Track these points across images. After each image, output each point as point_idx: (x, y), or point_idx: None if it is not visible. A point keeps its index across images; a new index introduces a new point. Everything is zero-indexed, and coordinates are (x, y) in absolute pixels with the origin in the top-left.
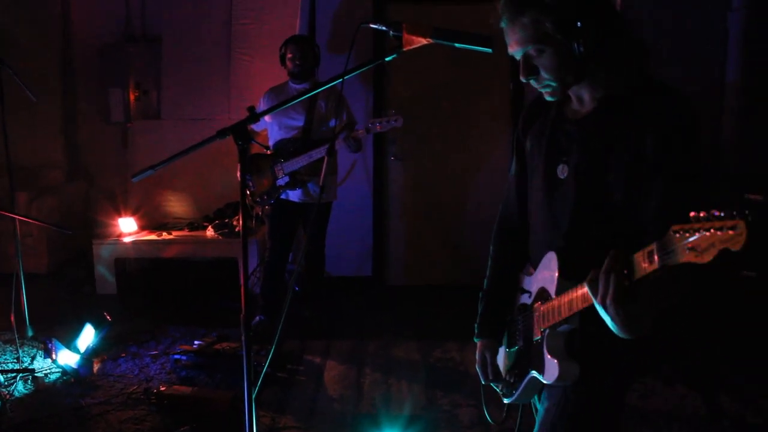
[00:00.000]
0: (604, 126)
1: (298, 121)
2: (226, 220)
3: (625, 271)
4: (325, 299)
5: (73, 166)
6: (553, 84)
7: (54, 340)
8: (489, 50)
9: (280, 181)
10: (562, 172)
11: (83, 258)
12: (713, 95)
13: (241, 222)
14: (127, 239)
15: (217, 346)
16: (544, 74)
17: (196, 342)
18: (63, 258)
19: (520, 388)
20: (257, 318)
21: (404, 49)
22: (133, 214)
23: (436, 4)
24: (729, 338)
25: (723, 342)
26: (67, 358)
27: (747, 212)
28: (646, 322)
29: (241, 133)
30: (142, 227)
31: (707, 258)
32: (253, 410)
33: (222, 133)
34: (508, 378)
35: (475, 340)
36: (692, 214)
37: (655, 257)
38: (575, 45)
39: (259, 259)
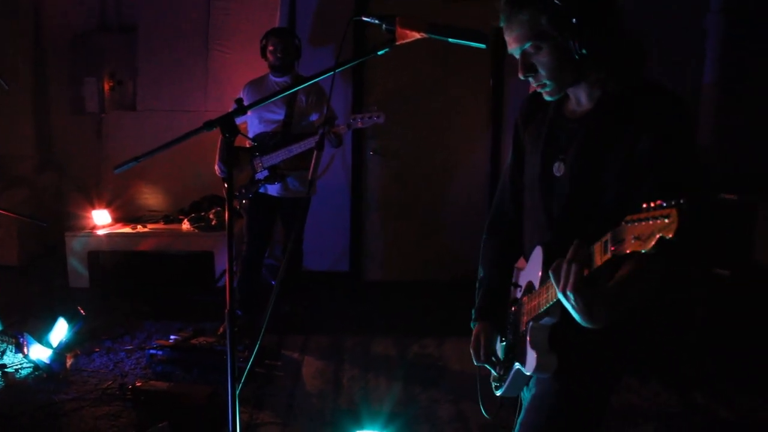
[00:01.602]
0: (602, 125)
1: (279, 115)
2: (202, 213)
3: (585, 261)
4: (303, 294)
5: (45, 157)
6: (551, 82)
7: (25, 335)
8: (483, 46)
9: (259, 175)
10: (558, 169)
11: (55, 250)
12: (691, 96)
13: (227, 216)
14: (100, 232)
15: (194, 341)
16: (541, 72)
17: (172, 336)
18: (34, 250)
19: (508, 380)
20: (226, 312)
21: (397, 44)
22: (107, 206)
23: None
24: (702, 335)
25: (697, 339)
26: (39, 353)
27: (681, 201)
28: (607, 313)
29: (229, 125)
30: (117, 220)
31: (649, 245)
32: (237, 407)
33: (209, 125)
34: (498, 370)
35: (471, 325)
36: (644, 205)
37: (610, 246)
38: (572, 42)
39: (236, 253)
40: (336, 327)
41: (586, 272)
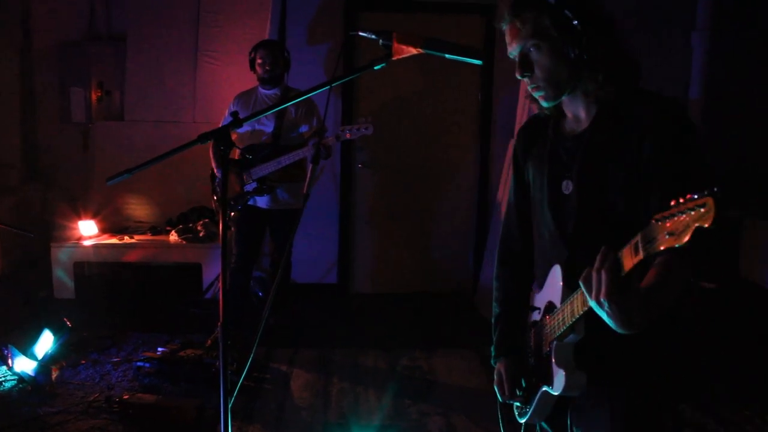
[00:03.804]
0: (603, 138)
1: (268, 127)
2: (190, 225)
3: (615, 266)
4: (291, 307)
5: (32, 167)
6: (546, 85)
7: (10, 347)
8: (479, 62)
9: (248, 187)
10: (567, 188)
11: (40, 261)
12: None
13: (220, 228)
14: (87, 242)
15: (182, 353)
16: (538, 72)
17: (159, 349)
18: (18, 261)
19: (533, 405)
20: (219, 325)
21: (393, 59)
22: (94, 217)
23: (406, 13)
24: (690, 349)
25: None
26: (24, 365)
27: (716, 189)
28: (643, 316)
29: (224, 137)
30: (103, 230)
31: (684, 238)
32: (229, 421)
33: (204, 137)
34: (522, 396)
35: (493, 363)
36: (672, 202)
37: (640, 247)
38: (571, 45)
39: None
40: (324, 339)
41: (617, 277)
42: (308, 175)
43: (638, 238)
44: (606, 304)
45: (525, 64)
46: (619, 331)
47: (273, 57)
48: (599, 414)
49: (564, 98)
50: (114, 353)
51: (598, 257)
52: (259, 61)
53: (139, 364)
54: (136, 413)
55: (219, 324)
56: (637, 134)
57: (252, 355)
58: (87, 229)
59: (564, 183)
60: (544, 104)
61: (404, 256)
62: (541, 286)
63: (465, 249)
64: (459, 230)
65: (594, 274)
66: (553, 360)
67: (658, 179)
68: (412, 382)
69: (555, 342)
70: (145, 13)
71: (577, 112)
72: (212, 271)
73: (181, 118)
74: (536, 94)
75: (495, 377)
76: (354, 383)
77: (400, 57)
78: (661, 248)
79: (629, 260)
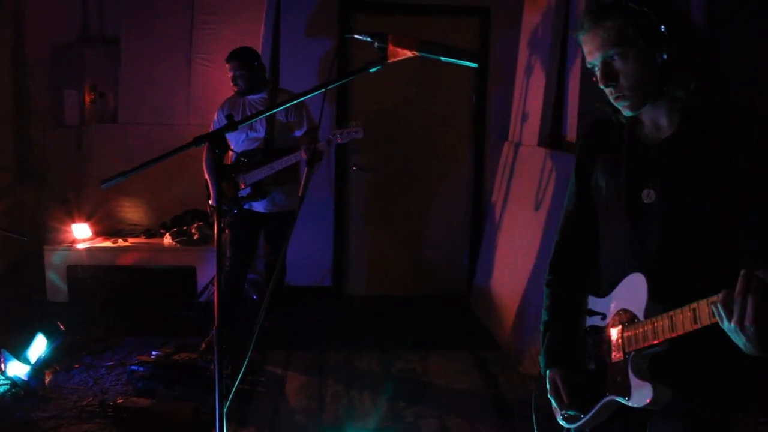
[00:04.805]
0: (691, 148)
1: (259, 133)
2: (184, 228)
3: (763, 289)
4: (286, 309)
5: (24, 169)
6: (631, 94)
7: (2, 351)
8: (474, 65)
9: (242, 192)
10: (648, 197)
11: (33, 264)
12: None
13: (215, 232)
14: (80, 245)
15: (176, 357)
16: (623, 81)
17: (153, 352)
18: (9, 263)
19: (591, 412)
20: (214, 329)
21: (389, 61)
22: (87, 219)
23: (400, 15)
24: None
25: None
26: (17, 370)
27: None
28: None
29: (219, 141)
30: (97, 233)
31: None
32: (224, 425)
33: (199, 140)
34: (579, 404)
35: (545, 372)
36: None
37: None
38: (658, 51)
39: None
40: (319, 342)
41: (764, 302)
42: (303, 178)
43: None
44: (751, 329)
45: (609, 73)
46: (755, 353)
47: (241, 69)
48: (669, 426)
49: (646, 106)
50: (108, 357)
51: (741, 280)
52: (229, 74)
53: (133, 367)
54: (130, 417)
55: (214, 327)
56: (730, 149)
57: (247, 359)
58: (80, 231)
59: (645, 192)
60: (627, 113)
61: (399, 258)
62: (605, 293)
63: (460, 251)
64: (454, 232)
65: (738, 298)
66: (631, 371)
67: (759, 202)
68: (407, 385)
69: (634, 353)
70: (139, 14)
71: (657, 119)
72: (206, 274)
73: (175, 120)
74: (620, 104)
75: (549, 386)
76: (349, 386)
77: (396, 60)
78: None
79: None
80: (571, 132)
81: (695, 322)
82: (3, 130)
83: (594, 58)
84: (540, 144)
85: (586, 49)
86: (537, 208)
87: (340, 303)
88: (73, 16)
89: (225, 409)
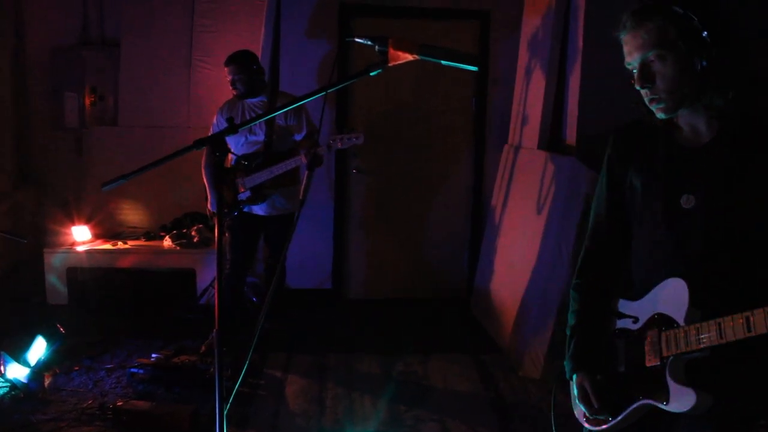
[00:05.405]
0: (731, 155)
1: (259, 137)
2: (184, 230)
3: None
4: (286, 312)
5: (24, 172)
6: (668, 96)
7: (2, 353)
8: (474, 68)
9: (242, 196)
10: (687, 202)
11: (32, 266)
12: None
13: (216, 235)
14: (80, 248)
15: (176, 360)
16: (660, 84)
17: (153, 355)
18: (9, 266)
19: (621, 415)
20: (215, 332)
21: (389, 65)
22: (87, 222)
23: (400, 19)
24: None
25: None
26: (17, 372)
27: None
28: None
29: (219, 144)
30: (97, 236)
31: None
32: (224, 428)
33: (199, 143)
34: (608, 408)
35: (572, 377)
36: None
37: None
38: (698, 56)
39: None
40: (319, 345)
41: None
42: (303, 182)
43: None
44: None
45: (646, 74)
46: None
47: (240, 73)
48: (699, 430)
49: (682, 110)
50: (107, 359)
51: None
52: (228, 78)
53: (132, 370)
54: (129, 420)
55: (214, 330)
56: None
57: (248, 361)
58: (80, 234)
59: (684, 197)
60: (661, 116)
61: (399, 261)
62: (638, 296)
63: (460, 254)
64: (454, 235)
65: None
66: (669, 375)
67: None
68: (408, 388)
69: (672, 357)
70: (139, 17)
71: (696, 124)
72: (206, 276)
73: (176, 123)
74: (655, 106)
75: (576, 391)
76: (349, 389)
77: (396, 63)
78: None
79: None
80: (571, 135)
81: (749, 330)
82: (3, 133)
83: (633, 59)
84: (540, 147)
85: (626, 49)
86: (537, 211)
87: (340, 306)
88: (73, 18)
89: (225, 412)
